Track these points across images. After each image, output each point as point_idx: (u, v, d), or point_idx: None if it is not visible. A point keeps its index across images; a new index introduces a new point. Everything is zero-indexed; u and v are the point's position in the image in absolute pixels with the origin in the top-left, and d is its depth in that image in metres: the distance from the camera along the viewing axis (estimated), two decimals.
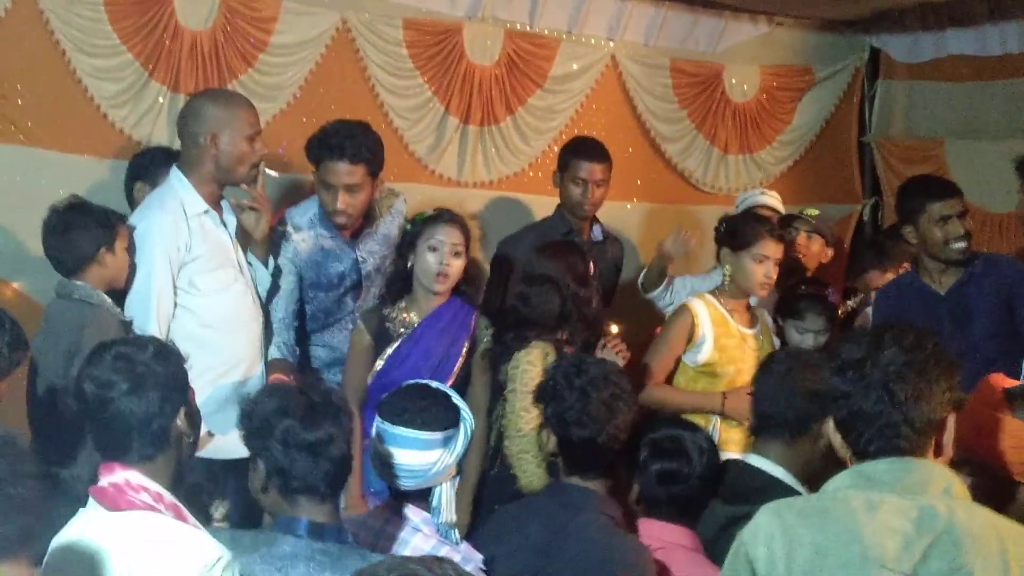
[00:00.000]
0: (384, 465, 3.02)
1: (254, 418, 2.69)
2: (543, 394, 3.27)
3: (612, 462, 3.22)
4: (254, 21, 5.48)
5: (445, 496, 3.03)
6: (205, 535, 2.50)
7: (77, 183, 4.97)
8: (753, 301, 4.84)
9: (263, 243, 4.36)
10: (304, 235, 4.64)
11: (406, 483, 3.03)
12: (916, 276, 4.80)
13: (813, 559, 2.25)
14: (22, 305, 4.76)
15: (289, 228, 4.65)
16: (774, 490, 3.03)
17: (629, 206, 6.62)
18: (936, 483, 2.29)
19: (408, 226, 4.43)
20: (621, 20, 6.47)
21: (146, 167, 4.69)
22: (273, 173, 4.52)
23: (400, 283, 4.36)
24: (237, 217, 4.28)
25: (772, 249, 4.62)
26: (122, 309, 4.03)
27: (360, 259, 4.71)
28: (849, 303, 5.97)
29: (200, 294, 4.09)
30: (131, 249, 4.02)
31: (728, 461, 3.45)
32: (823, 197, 7.25)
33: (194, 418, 2.73)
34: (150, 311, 3.98)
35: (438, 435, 2.99)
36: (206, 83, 5.24)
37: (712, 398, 4.55)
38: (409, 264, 4.33)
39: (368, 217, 4.75)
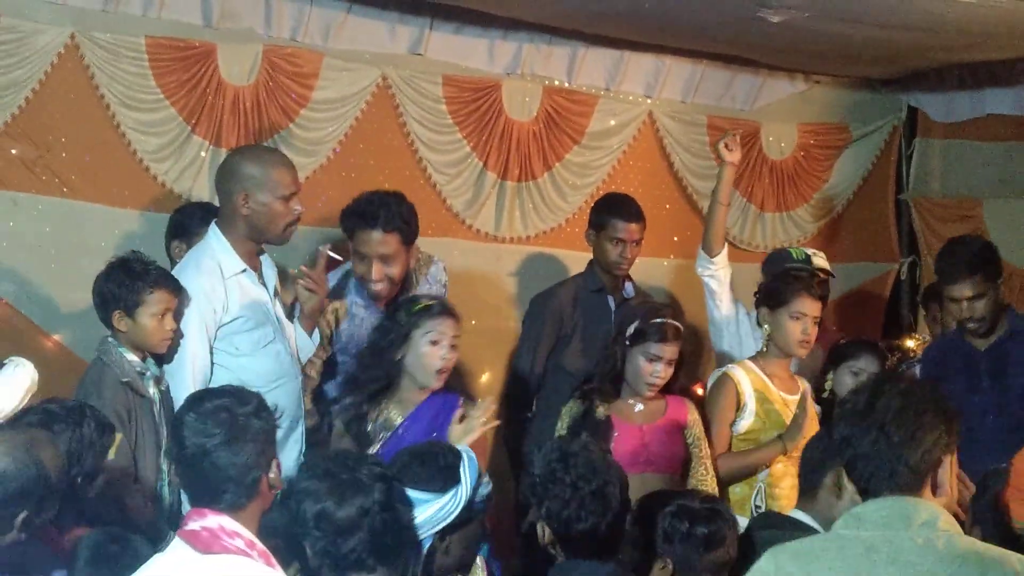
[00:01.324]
0: None
1: (290, 503, 2.81)
2: (534, 491, 3.23)
3: (617, 545, 3.19)
4: (296, 76, 5.54)
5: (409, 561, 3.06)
6: None
7: (118, 236, 5.06)
8: (794, 366, 4.80)
9: (312, 318, 4.32)
10: (344, 312, 4.53)
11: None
12: (959, 333, 4.83)
13: None
14: (63, 358, 4.80)
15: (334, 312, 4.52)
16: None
17: (665, 263, 6.61)
18: (919, 518, 2.42)
19: (401, 314, 4.15)
20: (659, 77, 6.51)
21: (184, 225, 4.69)
22: (336, 256, 4.44)
23: (385, 378, 4.11)
24: (293, 288, 4.27)
25: (809, 307, 4.57)
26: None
27: None
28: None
29: (239, 354, 4.05)
30: (177, 314, 3.93)
31: (774, 516, 3.50)
32: (860, 255, 7.25)
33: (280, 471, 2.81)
34: (185, 372, 3.95)
35: (418, 494, 3.09)
36: (247, 138, 5.30)
37: (772, 445, 4.46)
38: (399, 357, 4.10)
39: (405, 285, 4.69)
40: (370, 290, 4.57)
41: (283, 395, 4.05)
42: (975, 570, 2.34)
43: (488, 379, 5.86)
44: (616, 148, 6.46)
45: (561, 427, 4.36)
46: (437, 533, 3.09)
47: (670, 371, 4.32)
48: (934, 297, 5.85)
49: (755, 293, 4.83)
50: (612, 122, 6.44)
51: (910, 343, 6.55)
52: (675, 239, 6.67)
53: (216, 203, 4.81)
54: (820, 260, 5.33)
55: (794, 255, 5.45)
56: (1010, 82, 6.75)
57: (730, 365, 4.69)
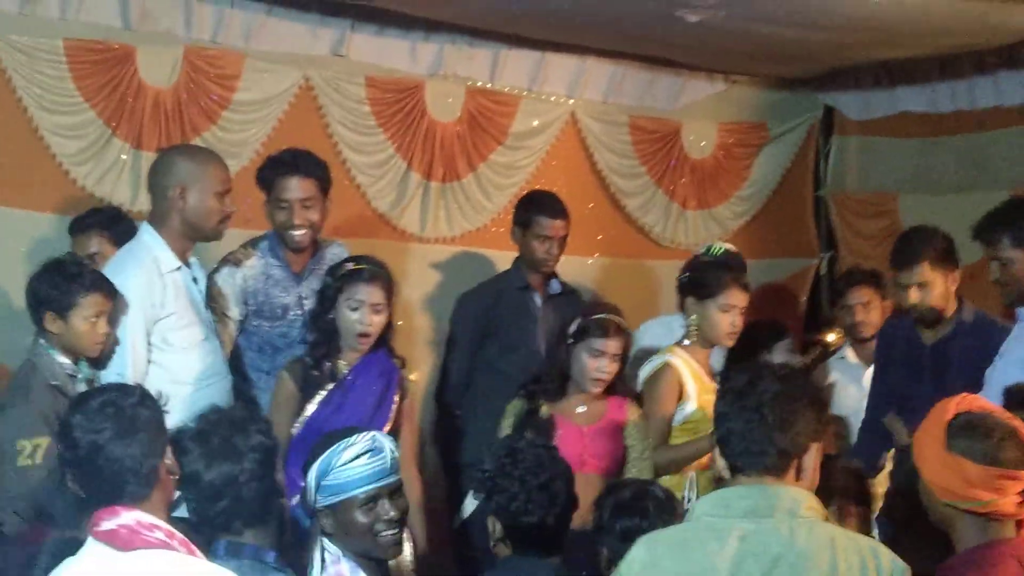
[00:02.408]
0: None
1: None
2: (483, 487, 3.32)
3: (562, 539, 3.26)
4: (217, 78, 5.52)
5: None
6: (220, 569, 2.53)
7: (37, 240, 5.00)
8: (716, 355, 4.87)
9: None
10: (253, 264, 4.67)
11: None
12: (910, 321, 4.78)
13: None
14: None
15: (239, 256, 4.68)
16: None
17: (590, 261, 6.67)
18: (782, 505, 2.55)
19: (328, 278, 4.27)
20: (580, 78, 6.57)
21: (86, 227, 4.68)
22: None
23: (325, 336, 4.22)
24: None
25: (738, 298, 4.63)
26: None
27: (303, 296, 4.66)
28: (806, 356, 6.04)
29: (172, 350, 4.06)
30: (111, 318, 3.92)
31: None
32: (780, 251, 7.37)
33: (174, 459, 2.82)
34: (125, 367, 3.94)
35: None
36: (169, 140, 5.26)
37: (702, 441, 4.44)
38: (331, 316, 4.21)
39: (315, 256, 4.74)
40: (291, 239, 4.62)
41: (215, 393, 4.09)
42: (829, 554, 2.50)
43: (416, 378, 5.87)
44: (540, 148, 6.51)
45: (506, 425, 4.38)
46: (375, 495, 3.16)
47: (615, 367, 4.33)
48: (844, 286, 5.96)
49: (679, 279, 4.81)
50: (535, 122, 6.49)
51: (830, 337, 6.69)
52: (599, 237, 6.74)
53: (137, 205, 4.85)
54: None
55: (711, 249, 5.53)
56: (923, 80, 6.89)
57: (667, 354, 4.64)
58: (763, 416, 2.60)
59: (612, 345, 4.30)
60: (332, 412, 4.13)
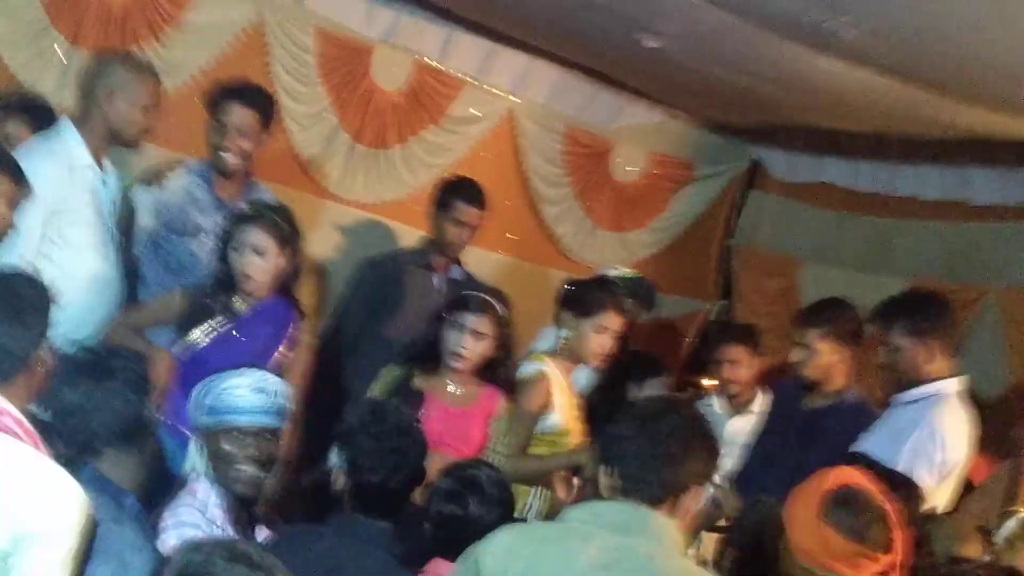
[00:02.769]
0: None
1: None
2: (340, 436, 3.34)
3: (399, 506, 3.28)
4: None
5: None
6: (61, 470, 2.49)
7: None
8: (581, 374, 4.89)
9: None
10: (177, 178, 4.72)
11: None
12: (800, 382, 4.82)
13: (523, 572, 2.58)
14: None
15: (163, 171, 4.73)
16: None
17: (495, 256, 6.68)
18: (650, 530, 2.60)
19: (225, 223, 4.33)
20: (526, 76, 6.59)
21: None
22: None
23: (227, 279, 4.24)
24: None
25: (614, 321, 4.66)
26: None
27: (221, 224, 4.60)
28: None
29: (67, 246, 4.04)
30: (14, 202, 3.81)
31: None
32: (680, 289, 7.46)
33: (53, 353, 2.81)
34: (14, 256, 3.85)
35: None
36: (107, 43, 5.17)
37: (578, 455, 4.47)
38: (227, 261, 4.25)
39: (246, 192, 4.77)
40: (221, 160, 4.67)
41: (105, 295, 4.14)
42: None
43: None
44: (472, 137, 6.53)
45: (377, 389, 4.38)
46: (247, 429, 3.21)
47: (477, 345, 4.31)
48: (715, 341, 6.10)
49: (561, 292, 4.83)
50: (473, 111, 6.50)
51: (706, 381, 6.82)
52: (508, 236, 6.77)
53: (63, 99, 4.76)
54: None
55: (619, 271, 5.62)
56: (850, 154, 7.02)
57: (540, 362, 4.65)
58: (661, 447, 2.64)
59: (475, 321, 4.30)
60: (221, 343, 4.13)
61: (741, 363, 5.67)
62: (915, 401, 4.27)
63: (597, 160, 7.01)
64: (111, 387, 2.85)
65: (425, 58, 6.26)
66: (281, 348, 4.27)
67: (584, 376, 5.16)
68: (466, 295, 4.43)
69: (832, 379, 4.69)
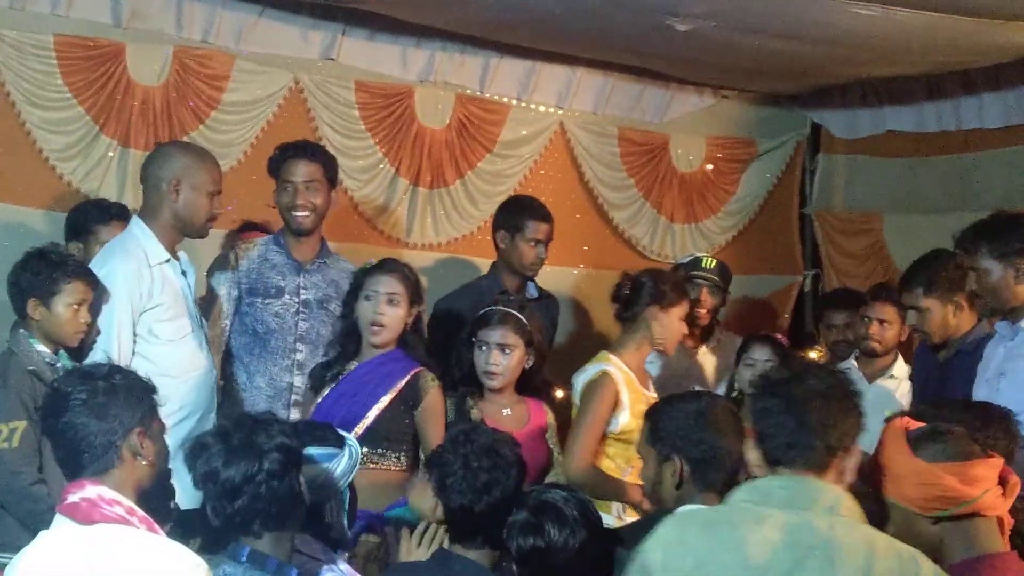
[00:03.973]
0: None
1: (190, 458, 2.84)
2: (430, 461, 3.30)
3: (493, 535, 3.13)
4: (206, 78, 5.53)
5: (334, 512, 3.12)
6: (180, 546, 2.49)
7: (23, 235, 4.98)
8: (652, 362, 4.84)
9: None
10: (252, 248, 4.78)
11: None
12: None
13: (696, 564, 2.43)
14: None
15: (238, 251, 4.77)
16: None
17: (575, 272, 6.67)
18: (823, 500, 2.47)
19: (354, 276, 4.38)
20: (570, 88, 6.59)
21: (78, 224, 4.67)
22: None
23: (348, 338, 4.29)
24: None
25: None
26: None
27: (302, 285, 4.71)
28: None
29: (158, 342, 4.09)
30: (93, 308, 3.94)
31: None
32: (765, 268, 7.38)
33: (155, 445, 2.84)
34: (111, 355, 3.93)
35: (318, 450, 3.08)
36: (157, 139, 5.26)
37: (633, 490, 4.30)
38: (351, 314, 4.28)
39: (321, 252, 4.82)
40: (294, 219, 4.70)
41: (199, 385, 4.17)
42: (862, 561, 2.40)
43: None
44: (528, 157, 6.53)
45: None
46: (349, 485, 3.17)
47: (506, 359, 4.25)
48: (828, 305, 5.97)
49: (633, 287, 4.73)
50: (524, 131, 6.51)
51: (812, 354, 6.69)
52: (585, 248, 6.75)
53: (124, 201, 4.84)
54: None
55: (703, 263, 5.54)
56: (909, 100, 6.93)
57: (605, 363, 4.55)
58: (809, 412, 2.54)
59: (499, 335, 4.25)
60: (329, 404, 4.18)
61: (893, 323, 5.43)
62: None
63: (657, 156, 6.97)
64: (269, 467, 2.76)
65: (467, 90, 6.29)
66: (382, 398, 4.20)
67: (656, 366, 5.12)
68: (485, 312, 4.35)
69: (957, 328, 4.67)
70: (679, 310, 4.60)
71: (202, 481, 2.78)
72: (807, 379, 2.59)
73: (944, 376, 4.68)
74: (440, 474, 3.17)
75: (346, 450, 3.12)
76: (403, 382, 4.22)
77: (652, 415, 3.31)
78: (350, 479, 3.14)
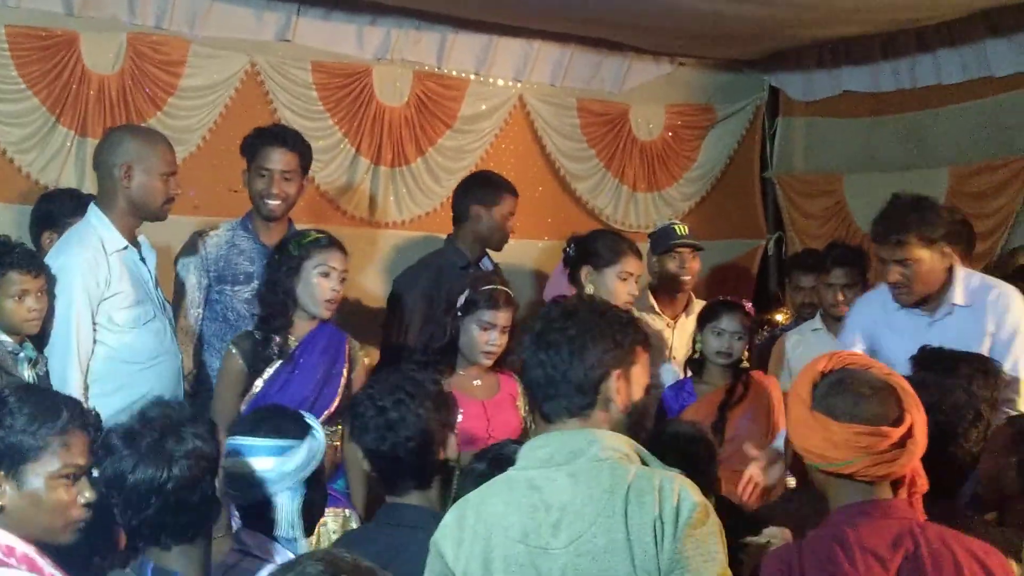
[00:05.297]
0: (225, 479, 2.94)
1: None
2: (346, 411, 3.25)
3: (431, 472, 3.08)
4: (162, 64, 5.50)
5: (285, 507, 2.96)
6: None
7: None
8: None
9: None
10: (219, 233, 4.74)
11: (243, 495, 2.98)
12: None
13: (478, 542, 2.43)
14: None
15: (204, 237, 4.73)
16: None
17: (540, 244, 6.68)
18: (580, 450, 2.42)
19: (292, 246, 4.22)
20: (528, 61, 6.59)
21: (52, 215, 4.62)
22: None
23: (281, 308, 4.18)
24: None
25: (635, 266, 4.64)
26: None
27: None
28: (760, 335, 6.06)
29: (119, 330, 4.06)
30: (48, 295, 3.92)
31: None
32: (729, 232, 7.42)
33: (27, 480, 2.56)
34: (70, 346, 3.94)
35: (272, 442, 2.95)
36: (114, 127, 5.21)
37: None
38: (290, 287, 4.17)
39: (290, 230, 4.77)
40: (266, 207, 4.68)
41: (163, 372, 4.14)
42: (611, 498, 2.35)
43: (369, 362, 5.85)
44: (488, 132, 6.53)
45: None
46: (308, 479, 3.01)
47: (504, 339, 4.26)
48: (796, 266, 6.03)
49: (565, 249, 4.82)
50: (483, 106, 6.51)
51: (778, 316, 6.77)
52: (548, 220, 6.75)
53: (83, 190, 4.81)
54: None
55: (678, 230, 5.55)
56: (864, 60, 6.98)
57: None
58: (556, 352, 2.46)
59: (502, 317, 4.24)
60: (278, 390, 4.10)
61: (855, 285, 5.30)
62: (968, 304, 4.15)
63: (617, 125, 6.99)
64: (179, 475, 2.52)
65: (425, 66, 6.28)
66: (344, 372, 4.23)
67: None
68: (489, 292, 4.27)
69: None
70: (613, 270, 4.59)
71: (106, 486, 2.55)
72: (553, 321, 2.52)
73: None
74: (351, 419, 3.10)
75: (305, 443, 2.97)
76: (347, 353, 4.26)
77: None
78: (308, 472, 2.98)
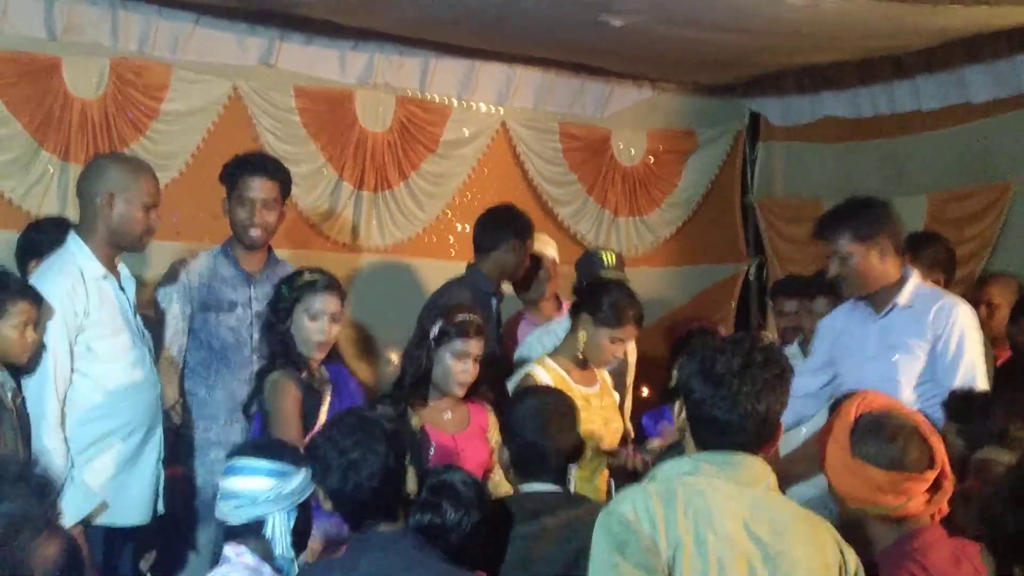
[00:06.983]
0: (219, 498, 3.08)
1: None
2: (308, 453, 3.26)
3: (395, 507, 3.05)
4: (145, 89, 5.50)
5: (279, 528, 3.05)
6: None
7: None
8: None
9: None
10: (201, 261, 4.73)
11: (235, 514, 3.05)
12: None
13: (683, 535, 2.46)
14: None
15: (185, 265, 4.71)
16: None
17: None
18: (761, 479, 2.55)
19: (284, 288, 4.21)
20: (510, 86, 6.63)
21: (38, 244, 4.53)
22: None
23: (281, 348, 4.16)
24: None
25: (631, 334, 4.60)
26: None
27: (254, 296, 4.68)
28: None
29: (97, 360, 4.01)
30: (39, 326, 3.86)
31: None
32: (710, 258, 7.46)
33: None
34: (47, 376, 3.88)
35: (269, 464, 3.06)
36: (97, 152, 5.20)
37: None
38: (285, 329, 4.16)
39: (269, 261, 4.80)
40: (247, 236, 4.68)
41: (140, 403, 4.09)
42: (810, 532, 2.52)
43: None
44: (471, 157, 6.56)
45: None
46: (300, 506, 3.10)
47: (476, 369, 4.25)
48: (780, 292, 6.06)
49: (575, 289, 4.82)
50: (466, 131, 6.54)
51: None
52: None
53: (67, 216, 4.79)
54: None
55: (604, 260, 5.52)
56: (843, 85, 7.04)
57: (531, 364, 4.59)
58: (733, 391, 2.54)
59: (474, 346, 4.23)
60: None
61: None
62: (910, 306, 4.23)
63: (598, 150, 7.02)
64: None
65: (407, 91, 6.30)
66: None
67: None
68: (461, 321, 4.24)
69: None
70: (608, 332, 4.50)
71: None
72: (722, 357, 2.60)
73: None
74: (314, 461, 3.08)
75: (303, 471, 3.08)
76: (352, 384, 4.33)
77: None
78: (303, 498, 3.09)
